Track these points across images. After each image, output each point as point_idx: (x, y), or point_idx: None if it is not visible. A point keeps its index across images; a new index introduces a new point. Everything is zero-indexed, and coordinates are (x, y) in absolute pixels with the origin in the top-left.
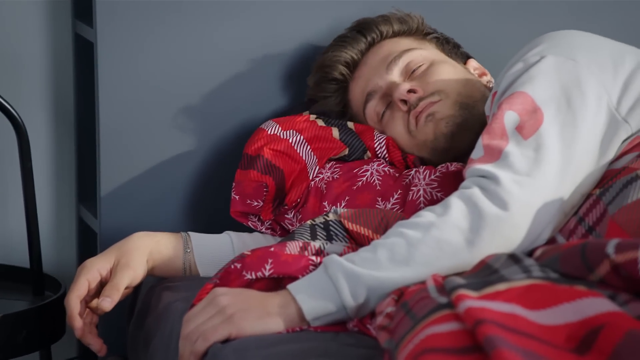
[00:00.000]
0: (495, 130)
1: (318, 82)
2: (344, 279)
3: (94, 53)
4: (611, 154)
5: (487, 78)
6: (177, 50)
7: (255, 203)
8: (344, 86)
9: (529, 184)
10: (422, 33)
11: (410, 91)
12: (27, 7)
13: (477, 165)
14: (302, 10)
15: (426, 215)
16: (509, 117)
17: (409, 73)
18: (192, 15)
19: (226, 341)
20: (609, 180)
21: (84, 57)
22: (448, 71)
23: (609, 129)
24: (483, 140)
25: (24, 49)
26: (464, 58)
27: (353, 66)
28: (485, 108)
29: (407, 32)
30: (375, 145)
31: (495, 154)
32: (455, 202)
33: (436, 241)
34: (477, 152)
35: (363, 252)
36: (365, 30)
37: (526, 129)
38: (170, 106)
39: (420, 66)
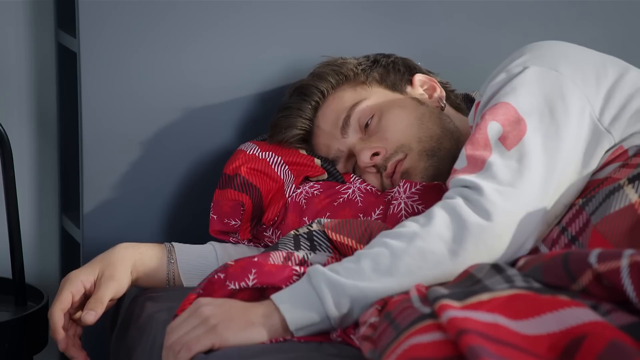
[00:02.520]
0: (478, 141)
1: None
2: (327, 289)
3: (77, 63)
4: (594, 164)
5: (437, 94)
6: (160, 61)
7: (233, 222)
8: (309, 147)
9: (512, 194)
10: (359, 77)
11: (373, 156)
12: (9, 16)
13: (461, 175)
14: (287, 31)
15: (410, 226)
16: (492, 127)
17: (363, 127)
18: (176, 27)
19: (209, 351)
20: (592, 190)
21: (67, 67)
22: (400, 118)
23: (592, 140)
24: (466, 150)
25: (6, 58)
26: (408, 76)
27: (308, 134)
28: (469, 119)
29: (345, 81)
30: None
31: (478, 165)
32: (438, 212)
33: (420, 251)
34: (460, 162)
35: (347, 262)
36: (307, 96)
37: (509, 140)
38: (154, 117)
39: (371, 118)
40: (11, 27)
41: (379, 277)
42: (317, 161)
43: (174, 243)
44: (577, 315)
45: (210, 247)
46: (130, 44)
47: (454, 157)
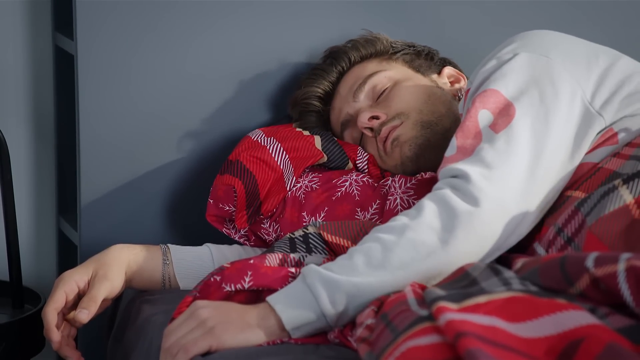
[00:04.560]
0: (469, 129)
1: (299, 115)
2: (322, 286)
3: (75, 65)
4: (585, 148)
5: (459, 85)
6: (157, 63)
7: (227, 207)
8: (324, 117)
9: (498, 177)
10: (388, 53)
11: (372, 118)
12: (7, 18)
13: (450, 164)
14: (286, 25)
15: (400, 219)
16: (483, 115)
17: (377, 97)
18: (173, 29)
19: (207, 354)
20: (584, 180)
21: (65, 69)
22: (410, 90)
23: (583, 123)
24: (457, 139)
25: (4, 60)
26: (438, 67)
27: (327, 98)
28: (459, 107)
29: (374, 55)
30: (358, 160)
31: (468, 152)
32: (427, 203)
33: (411, 243)
34: (450, 150)
35: (340, 259)
36: (334, 60)
37: (498, 125)
38: (151, 118)
39: (386, 89)
40: (9, 29)
41: (372, 271)
42: (317, 141)
43: (169, 245)
44: (574, 318)
45: (206, 248)
46: (127, 47)
47: (448, 137)
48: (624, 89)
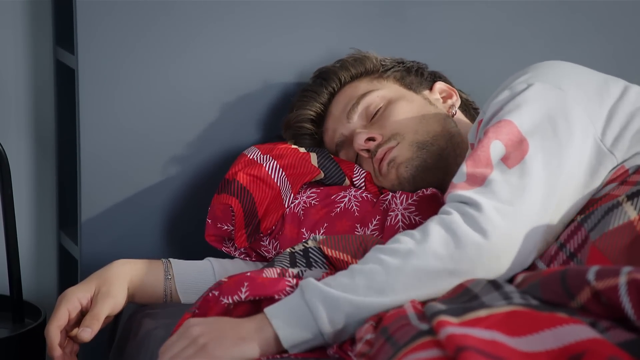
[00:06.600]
0: (480, 158)
1: (293, 137)
2: (321, 305)
3: (75, 80)
4: (596, 184)
5: (452, 101)
6: (158, 77)
7: (226, 227)
8: (317, 139)
9: (512, 213)
10: (378, 71)
11: (368, 139)
12: (8, 32)
13: (459, 191)
14: (286, 33)
15: (405, 242)
16: (495, 146)
17: (371, 117)
18: (173, 43)
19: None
20: (590, 206)
21: (65, 83)
22: (405, 110)
23: (595, 160)
24: (467, 166)
25: (5, 74)
26: (429, 82)
27: (320, 120)
28: (470, 136)
29: (364, 74)
30: (354, 177)
31: (478, 181)
32: (434, 228)
33: (415, 270)
34: (459, 177)
35: (340, 277)
36: (325, 81)
37: (511, 159)
38: (151, 133)
39: (379, 109)
40: (10, 43)
41: (373, 294)
42: (314, 158)
43: (171, 259)
44: (575, 332)
45: (208, 262)
46: (128, 61)
47: (445, 157)
48: (634, 123)
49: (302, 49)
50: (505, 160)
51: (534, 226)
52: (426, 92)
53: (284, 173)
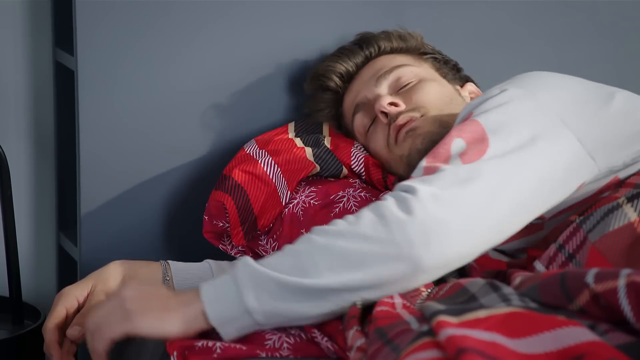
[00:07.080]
0: (440, 153)
1: (313, 91)
2: (249, 282)
3: (75, 81)
4: (572, 187)
5: None
6: (157, 78)
7: (221, 224)
8: (338, 97)
9: (447, 197)
10: (419, 52)
11: (391, 104)
12: (7, 33)
13: (407, 181)
14: (285, 33)
15: (338, 224)
16: (456, 143)
17: (398, 89)
18: (172, 43)
19: (129, 339)
20: (589, 207)
21: (65, 85)
22: (434, 89)
23: (574, 163)
24: (426, 161)
25: (4, 76)
26: (462, 81)
27: (348, 78)
28: None
29: (404, 50)
30: (352, 163)
31: (430, 172)
32: (366, 212)
33: (342, 251)
34: (417, 171)
35: (273, 256)
36: (364, 44)
37: (468, 156)
38: (151, 134)
39: (409, 83)
40: (9, 45)
41: (297, 274)
42: (309, 152)
43: (169, 261)
44: (574, 334)
45: (206, 264)
46: (127, 62)
47: None
48: (621, 128)
49: (302, 49)
50: (462, 155)
51: (478, 216)
52: (457, 87)
53: (279, 169)
